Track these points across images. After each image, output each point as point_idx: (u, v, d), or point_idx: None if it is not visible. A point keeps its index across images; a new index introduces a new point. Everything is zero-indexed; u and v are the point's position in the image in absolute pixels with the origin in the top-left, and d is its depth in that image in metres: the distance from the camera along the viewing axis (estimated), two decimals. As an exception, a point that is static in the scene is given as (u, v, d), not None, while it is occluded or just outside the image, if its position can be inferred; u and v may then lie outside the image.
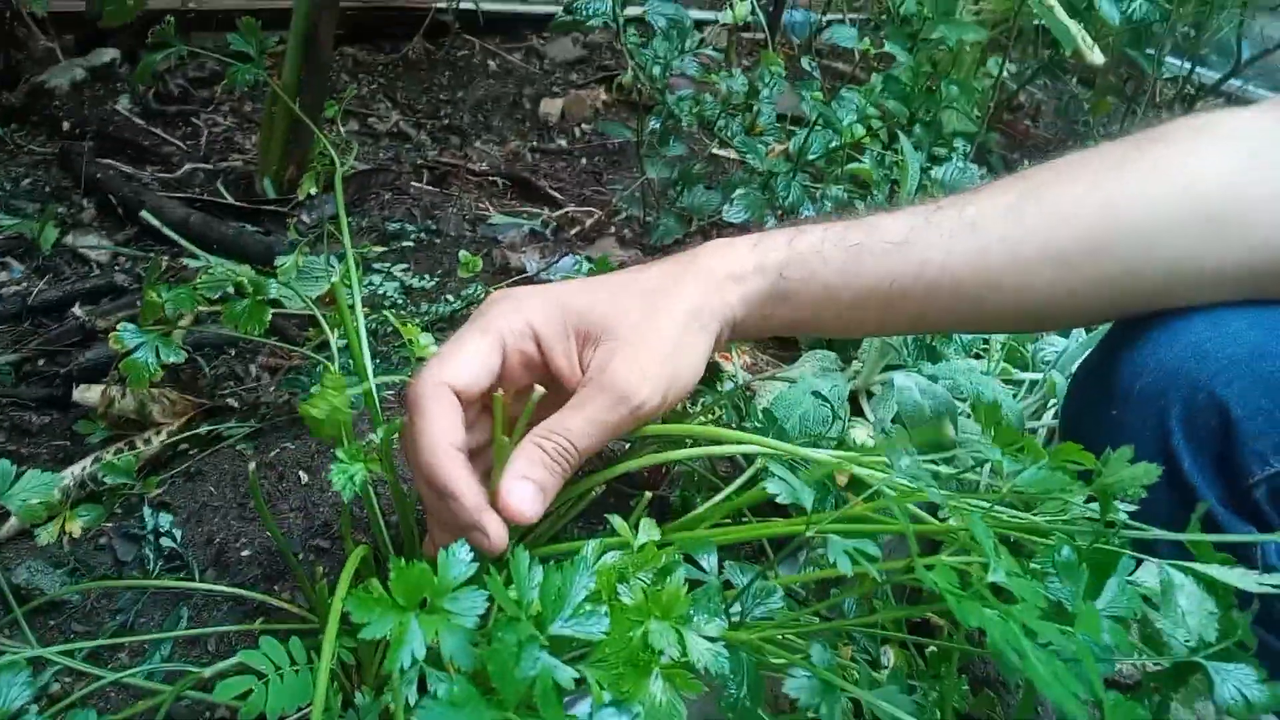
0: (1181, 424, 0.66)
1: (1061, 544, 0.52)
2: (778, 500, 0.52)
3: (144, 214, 1.25)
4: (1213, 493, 0.65)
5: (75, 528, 0.83)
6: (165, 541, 0.84)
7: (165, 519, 0.86)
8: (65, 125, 1.55)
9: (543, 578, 0.48)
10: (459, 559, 0.47)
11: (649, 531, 0.58)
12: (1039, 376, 1.29)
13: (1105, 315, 0.74)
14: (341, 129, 1.68)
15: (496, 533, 0.58)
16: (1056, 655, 0.43)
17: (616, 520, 0.58)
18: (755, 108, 1.55)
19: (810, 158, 1.51)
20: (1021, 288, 0.66)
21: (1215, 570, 0.53)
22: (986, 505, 0.56)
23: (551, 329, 0.63)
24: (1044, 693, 0.39)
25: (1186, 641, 0.54)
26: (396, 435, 0.66)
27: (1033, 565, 0.53)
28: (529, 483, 0.58)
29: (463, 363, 0.61)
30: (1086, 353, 1.29)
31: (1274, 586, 0.52)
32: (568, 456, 0.60)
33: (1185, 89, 2.40)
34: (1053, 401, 1.24)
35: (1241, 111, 0.68)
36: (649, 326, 0.63)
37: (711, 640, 0.51)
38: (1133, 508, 0.53)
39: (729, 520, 0.67)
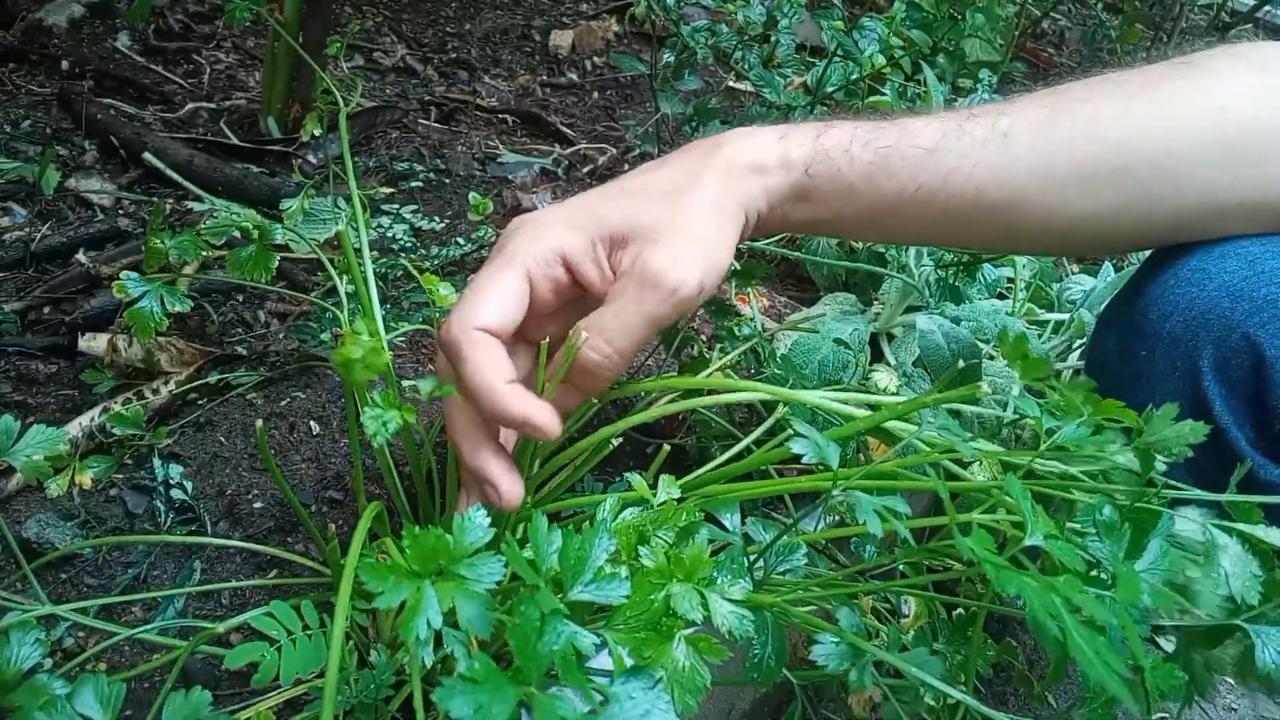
0: (1213, 366, 0.64)
1: (1103, 503, 0.50)
2: (803, 460, 0.50)
3: (147, 156, 1.23)
4: (1243, 435, 0.64)
5: (85, 479, 0.81)
6: (176, 493, 0.83)
7: (175, 470, 0.85)
8: (64, 64, 1.51)
9: (562, 542, 0.46)
10: (475, 524, 0.46)
11: (668, 488, 0.56)
12: (1065, 317, 1.26)
13: (1128, 243, 0.72)
14: (344, 66, 1.64)
15: (510, 491, 0.57)
16: (1097, 628, 0.41)
17: (635, 478, 0.56)
18: (773, 38, 1.50)
19: (829, 90, 1.46)
20: (1045, 205, 0.65)
21: (1261, 531, 0.51)
22: (1023, 462, 0.53)
23: (578, 245, 0.60)
24: (1088, 672, 0.37)
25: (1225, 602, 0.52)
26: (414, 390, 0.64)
27: (1071, 525, 0.51)
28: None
29: (492, 303, 0.58)
30: (1115, 291, 1.26)
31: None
32: (615, 357, 0.58)
33: (1218, 17, 2.31)
34: (1079, 342, 1.22)
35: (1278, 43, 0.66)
36: (676, 218, 0.60)
37: (736, 603, 0.49)
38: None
39: (749, 473, 0.66)
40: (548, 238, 0.60)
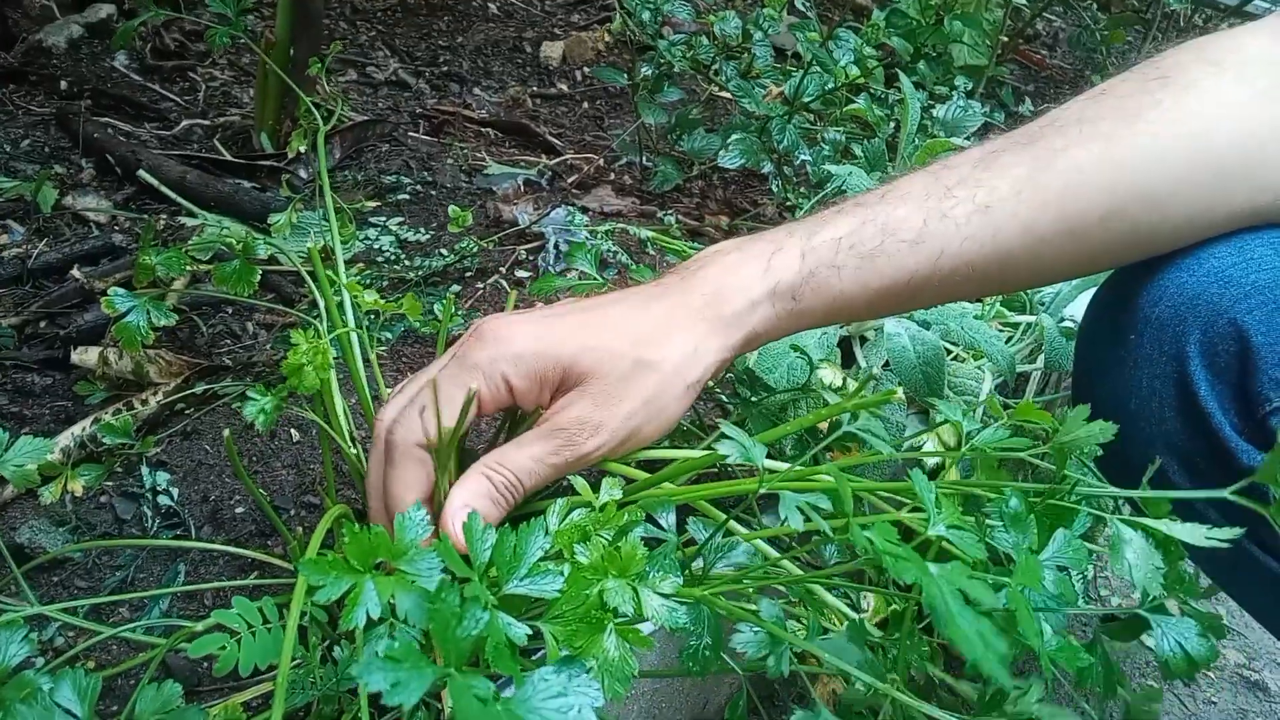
0: (1200, 350, 0.65)
1: (1010, 495, 0.53)
2: (728, 461, 0.53)
3: (141, 173, 1.27)
4: (1227, 420, 0.64)
5: (77, 487, 0.85)
6: (163, 499, 0.87)
7: (163, 477, 0.89)
8: (63, 84, 1.56)
9: (496, 539, 0.49)
10: (414, 522, 0.49)
11: (611, 490, 0.60)
12: (1034, 319, 1.28)
13: (1118, 265, 0.73)
14: (326, 82, 1.67)
15: None
16: (989, 612, 0.44)
17: (579, 481, 0.60)
18: (751, 50, 1.53)
19: (806, 101, 1.49)
20: (1036, 259, 0.66)
21: (1164, 525, 0.54)
22: (950, 456, 0.56)
23: (525, 382, 0.62)
24: (963, 651, 0.40)
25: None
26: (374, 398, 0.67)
27: (983, 517, 0.53)
28: (470, 512, 0.60)
29: (444, 418, 0.61)
30: (1080, 292, 1.28)
31: (1221, 541, 0.52)
32: (512, 491, 0.61)
33: (1199, 13, 2.33)
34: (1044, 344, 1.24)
35: (1253, 38, 0.67)
36: (626, 383, 0.62)
37: (666, 597, 0.53)
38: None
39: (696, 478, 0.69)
40: (504, 364, 0.62)
